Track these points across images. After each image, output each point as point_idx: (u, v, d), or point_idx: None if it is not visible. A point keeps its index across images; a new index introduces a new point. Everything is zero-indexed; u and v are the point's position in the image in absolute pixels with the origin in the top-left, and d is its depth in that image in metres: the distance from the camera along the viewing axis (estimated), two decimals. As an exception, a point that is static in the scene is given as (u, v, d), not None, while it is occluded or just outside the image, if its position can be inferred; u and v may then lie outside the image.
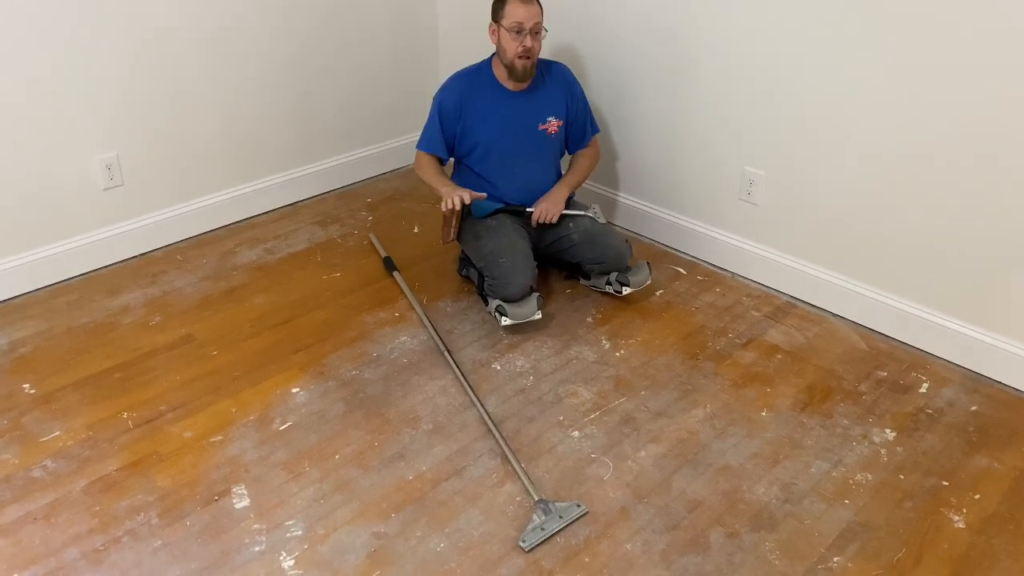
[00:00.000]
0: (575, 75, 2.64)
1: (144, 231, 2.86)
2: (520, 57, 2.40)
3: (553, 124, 2.57)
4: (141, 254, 2.87)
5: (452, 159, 2.64)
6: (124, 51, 2.62)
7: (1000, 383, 2.26)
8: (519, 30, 2.36)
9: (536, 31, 2.38)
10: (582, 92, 2.65)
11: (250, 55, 2.93)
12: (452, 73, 2.57)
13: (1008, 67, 1.99)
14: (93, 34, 2.53)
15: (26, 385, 2.23)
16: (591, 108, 2.71)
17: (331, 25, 3.13)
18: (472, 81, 2.51)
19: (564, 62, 2.68)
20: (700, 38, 2.58)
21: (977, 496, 1.90)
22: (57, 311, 2.55)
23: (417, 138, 2.61)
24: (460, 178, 2.63)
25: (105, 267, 2.79)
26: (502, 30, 2.40)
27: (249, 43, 2.92)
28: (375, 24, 3.27)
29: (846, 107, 2.31)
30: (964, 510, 1.86)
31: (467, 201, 2.42)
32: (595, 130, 2.72)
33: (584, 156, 2.71)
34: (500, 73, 2.49)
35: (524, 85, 2.51)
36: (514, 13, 2.36)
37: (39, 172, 2.56)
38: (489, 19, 2.45)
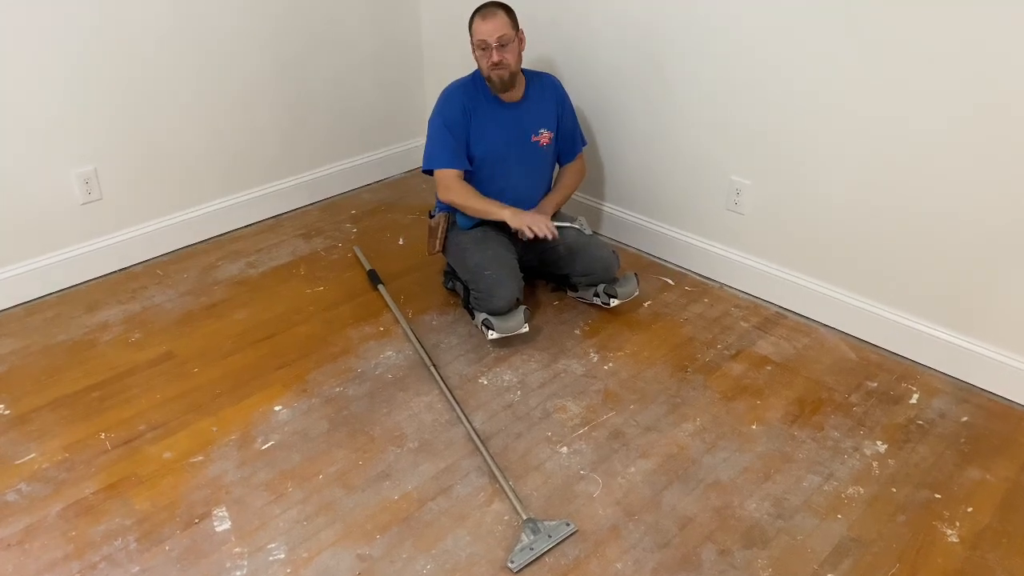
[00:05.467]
0: (563, 86, 2.62)
1: (123, 246, 2.81)
2: (492, 69, 2.38)
3: (545, 136, 2.55)
4: (120, 269, 2.82)
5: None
6: (101, 62, 2.57)
7: (991, 393, 2.24)
8: (484, 47, 2.36)
9: (504, 43, 2.35)
10: (571, 104, 2.63)
11: (232, 66, 2.89)
12: (438, 84, 2.54)
13: (994, 79, 1.98)
14: (69, 45, 2.49)
15: (1, 406, 2.18)
16: (578, 121, 2.69)
17: (315, 37, 3.10)
18: (469, 91, 2.48)
19: (548, 70, 2.66)
20: (686, 48, 2.56)
21: (970, 509, 1.88)
22: (33, 328, 2.50)
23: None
24: None
25: (83, 283, 2.73)
26: (473, 47, 2.40)
27: (231, 54, 2.88)
28: (359, 35, 3.24)
29: (833, 117, 2.30)
30: (957, 523, 1.84)
31: (554, 232, 2.35)
32: (583, 142, 2.70)
33: (569, 173, 2.70)
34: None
35: (516, 96, 2.49)
36: (477, 31, 2.37)
37: (14, 186, 2.51)
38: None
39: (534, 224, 2.35)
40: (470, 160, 2.50)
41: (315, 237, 3.07)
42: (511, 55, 2.38)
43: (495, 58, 2.36)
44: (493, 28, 2.34)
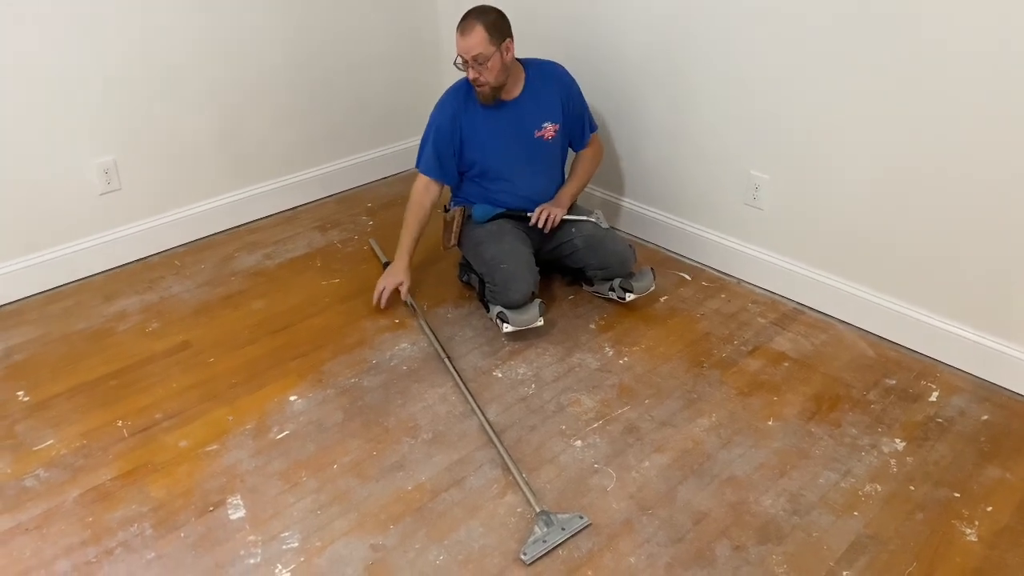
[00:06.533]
0: (571, 73, 2.58)
1: (142, 236, 2.83)
2: (473, 84, 2.36)
3: (549, 129, 2.52)
4: (138, 259, 2.84)
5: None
6: (121, 54, 2.59)
7: (1012, 392, 2.21)
8: (463, 62, 2.32)
9: (480, 62, 2.29)
10: (578, 89, 2.58)
11: (250, 58, 2.91)
12: (455, 79, 2.53)
13: (1018, 72, 1.94)
14: (90, 37, 2.51)
15: (20, 392, 2.20)
16: (588, 105, 2.64)
17: (333, 30, 3.10)
18: (463, 96, 2.45)
19: (566, 63, 2.63)
20: (706, 40, 2.54)
21: (989, 508, 1.85)
22: (53, 317, 2.52)
23: (414, 143, 2.56)
24: (465, 189, 2.60)
25: (102, 272, 2.76)
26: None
27: (249, 46, 2.89)
28: (376, 28, 3.24)
29: (854, 110, 2.27)
30: (976, 522, 1.82)
31: (383, 305, 2.51)
32: (593, 127, 2.66)
33: (585, 158, 2.67)
34: None
35: (513, 94, 2.45)
36: (456, 43, 2.31)
37: (35, 177, 2.53)
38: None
39: (384, 293, 2.50)
40: (471, 164, 2.50)
41: (331, 229, 3.08)
42: (489, 73, 2.32)
43: (471, 75, 2.33)
44: (467, 46, 2.28)
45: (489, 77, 2.33)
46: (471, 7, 2.35)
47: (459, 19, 2.33)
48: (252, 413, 2.13)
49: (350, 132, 3.33)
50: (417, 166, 2.53)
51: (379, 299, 2.49)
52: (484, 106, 2.43)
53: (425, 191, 2.50)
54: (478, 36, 2.27)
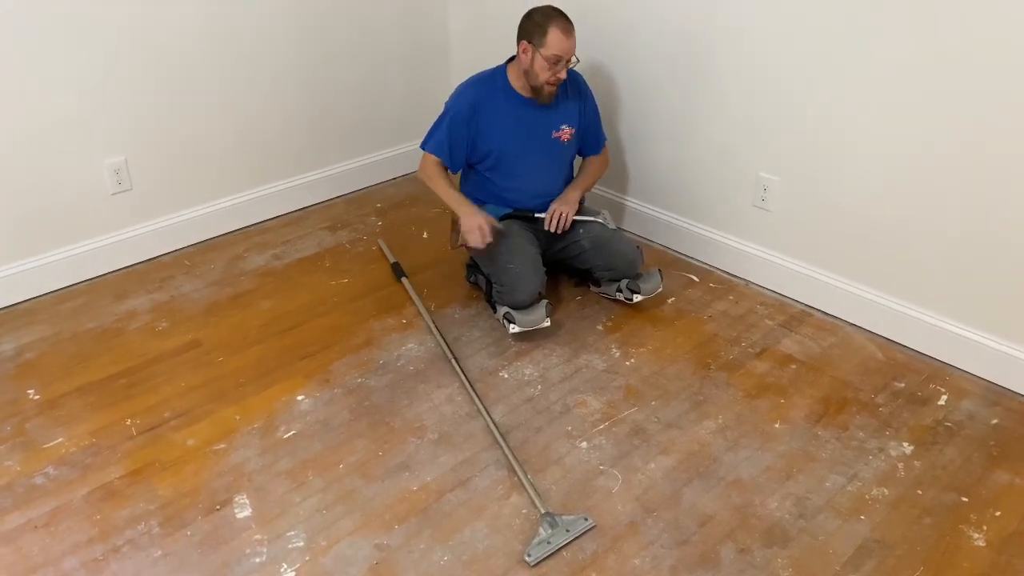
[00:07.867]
0: (587, 81, 2.61)
1: (152, 236, 2.85)
2: (550, 84, 2.37)
3: (566, 132, 2.53)
4: (149, 259, 2.86)
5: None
6: (132, 55, 2.60)
7: (1023, 396, 2.19)
8: (556, 61, 2.32)
9: (569, 62, 2.35)
10: (594, 100, 2.61)
11: (260, 59, 2.92)
12: (465, 79, 2.53)
13: (1031, 71, 1.93)
14: (101, 37, 2.52)
15: (31, 391, 2.22)
16: (600, 116, 2.66)
17: (342, 29, 3.11)
18: (486, 88, 2.46)
19: (577, 63, 2.63)
20: (716, 42, 2.53)
21: (998, 513, 1.84)
22: (63, 316, 2.54)
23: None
24: (471, 184, 2.60)
25: (112, 272, 2.78)
26: (538, 56, 2.33)
27: (259, 47, 2.90)
28: (386, 28, 3.25)
29: (863, 112, 2.26)
30: (984, 527, 1.80)
31: (489, 239, 2.36)
32: (603, 138, 2.68)
33: (593, 163, 2.67)
34: (516, 82, 2.44)
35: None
36: (555, 45, 2.30)
37: (47, 177, 2.55)
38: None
39: (484, 228, 2.35)
40: (485, 155, 2.50)
41: (340, 230, 3.09)
42: (566, 73, 2.38)
43: (562, 75, 2.35)
44: (572, 47, 2.32)
45: (565, 76, 2.39)
46: (552, 7, 2.34)
47: (555, 19, 2.29)
48: (259, 412, 2.14)
49: (360, 133, 3.34)
50: (424, 146, 2.51)
51: (483, 235, 2.36)
52: (510, 98, 2.44)
53: (438, 165, 2.49)
54: (575, 39, 2.34)
